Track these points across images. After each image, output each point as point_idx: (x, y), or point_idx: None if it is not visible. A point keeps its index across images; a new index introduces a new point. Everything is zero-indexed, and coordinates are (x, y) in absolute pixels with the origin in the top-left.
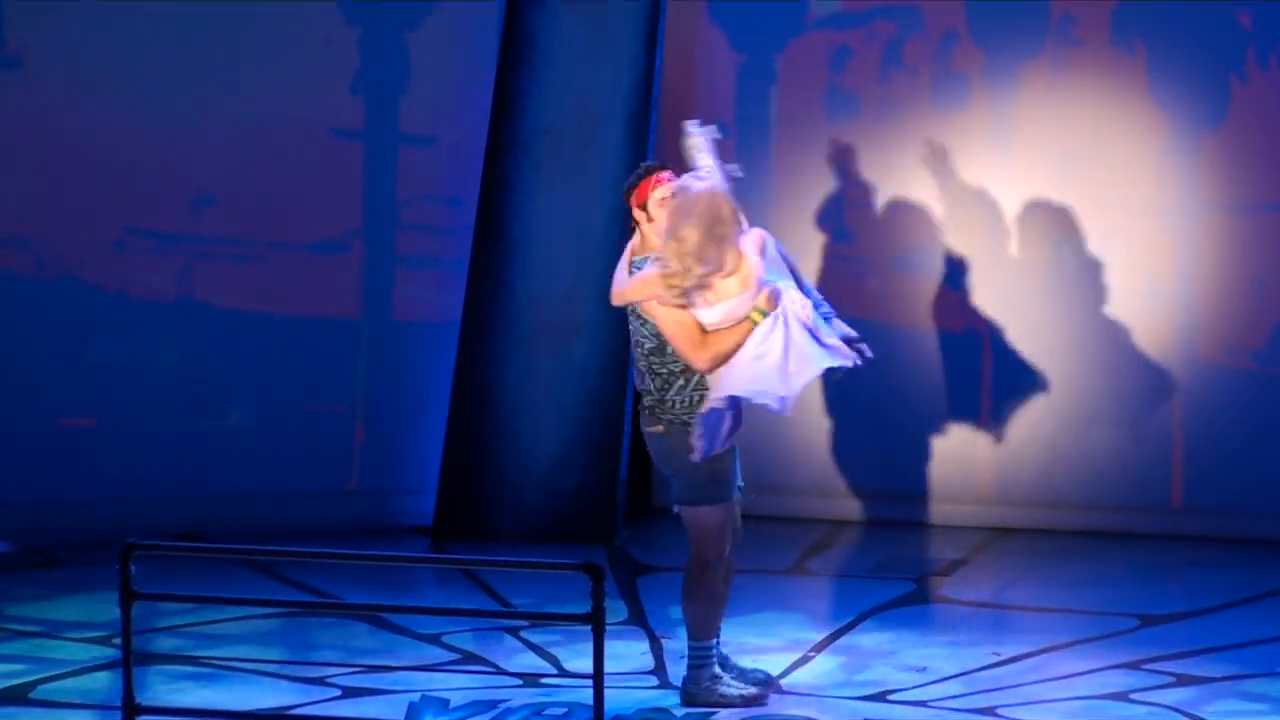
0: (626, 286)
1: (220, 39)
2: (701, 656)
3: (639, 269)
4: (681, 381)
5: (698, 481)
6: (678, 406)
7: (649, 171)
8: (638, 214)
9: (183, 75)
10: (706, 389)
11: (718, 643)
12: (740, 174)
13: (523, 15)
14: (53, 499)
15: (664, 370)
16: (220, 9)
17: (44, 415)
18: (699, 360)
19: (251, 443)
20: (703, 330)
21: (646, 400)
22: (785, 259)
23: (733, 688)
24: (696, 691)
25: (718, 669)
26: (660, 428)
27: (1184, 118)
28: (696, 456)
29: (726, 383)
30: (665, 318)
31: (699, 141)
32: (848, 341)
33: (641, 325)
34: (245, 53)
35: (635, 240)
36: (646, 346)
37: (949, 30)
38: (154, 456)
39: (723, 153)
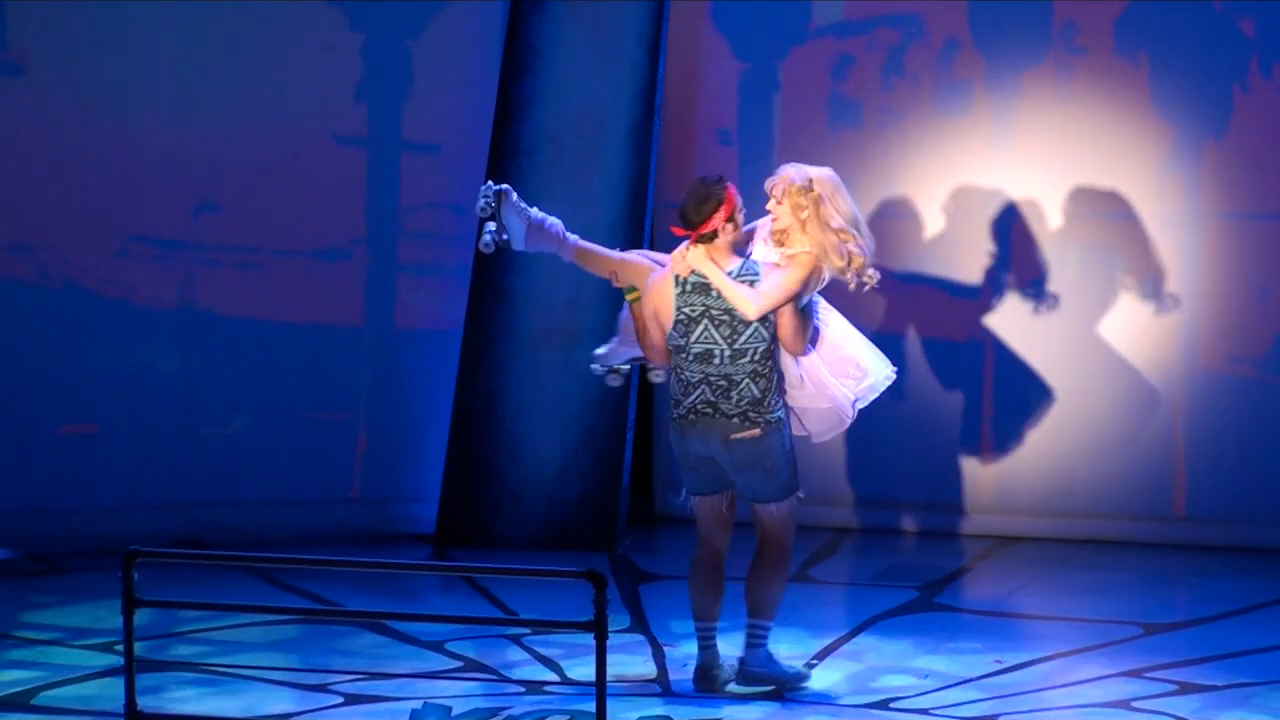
0: (776, 297)
1: (223, 46)
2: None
3: (745, 277)
4: (777, 378)
5: (779, 483)
6: (775, 406)
7: (721, 184)
8: (724, 226)
9: (186, 82)
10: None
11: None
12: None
13: (526, 23)
14: (55, 506)
15: (766, 370)
16: (224, 16)
17: (47, 422)
18: (804, 345)
19: (254, 450)
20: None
21: (734, 405)
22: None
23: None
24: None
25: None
26: (756, 430)
27: (1187, 126)
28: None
29: (867, 372)
30: (792, 319)
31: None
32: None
33: (761, 327)
34: (248, 60)
35: (695, 254)
36: (759, 350)
37: (952, 38)
38: (157, 463)
39: (724, 165)
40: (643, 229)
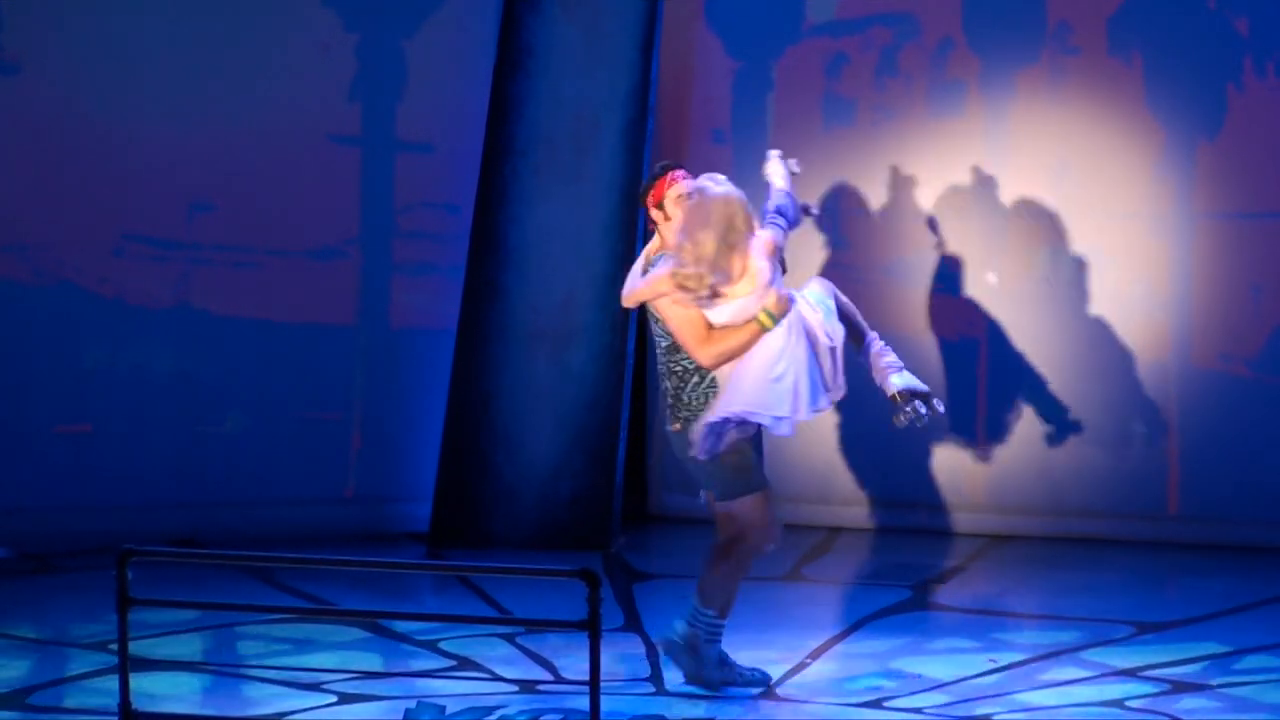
0: (640, 286)
1: (218, 45)
2: (715, 630)
3: (655, 268)
4: (696, 379)
5: (724, 478)
6: (693, 404)
7: (664, 170)
8: (654, 214)
9: (181, 81)
10: (717, 386)
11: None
12: (797, 169)
13: (520, 22)
14: (49, 505)
15: (679, 368)
16: (219, 14)
17: (41, 421)
18: (704, 356)
19: (248, 449)
20: (709, 327)
21: (667, 399)
22: (836, 298)
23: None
24: (700, 670)
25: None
26: (678, 425)
27: (1181, 125)
28: (697, 453)
29: (737, 398)
30: (673, 315)
31: (777, 166)
32: (914, 394)
33: (655, 324)
34: (243, 59)
35: (654, 241)
36: (663, 345)
37: (945, 37)
38: (151, 463)
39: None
40: (635, 228)
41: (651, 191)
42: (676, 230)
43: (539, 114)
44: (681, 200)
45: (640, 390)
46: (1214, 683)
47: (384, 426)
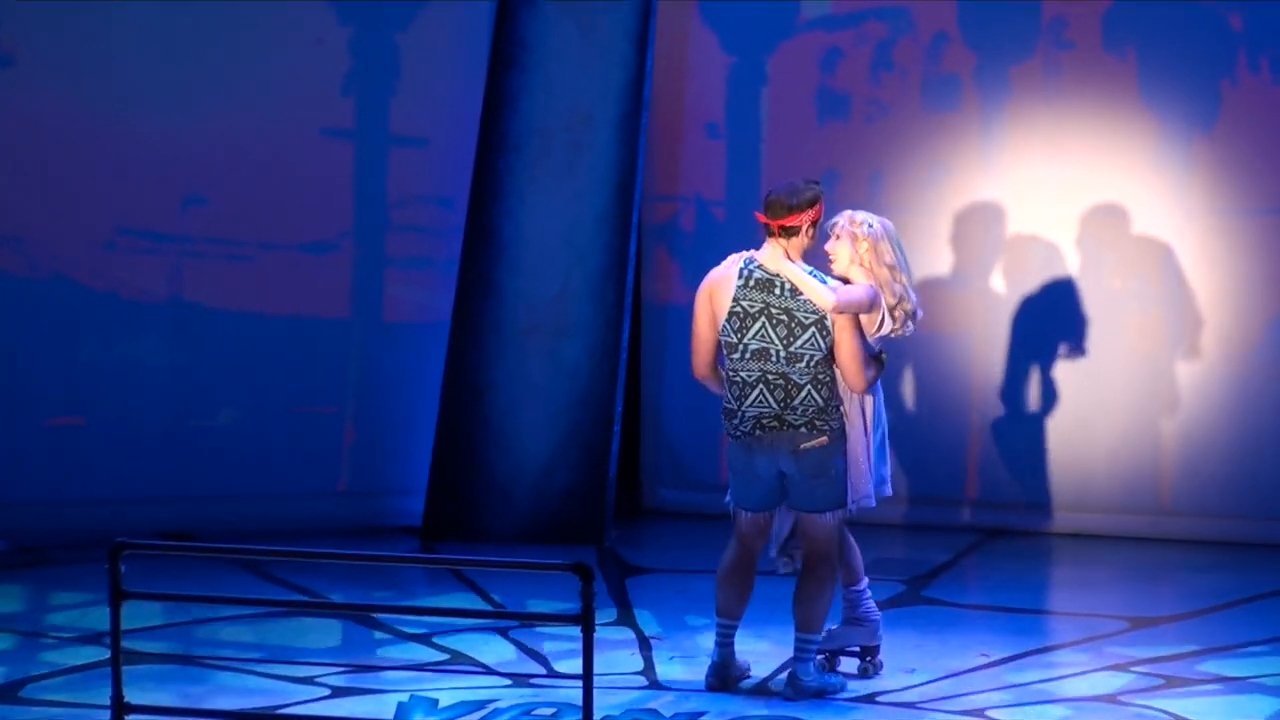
0: (853, 299)
1: (212, 39)
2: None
3: (818, 278)
4: (837, 388)
5: (838, 491)
6: (835, 414)
7: (820, 187)
8: (806, 227)
9: (174, 75)
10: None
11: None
12: None
13: (514, 16)
14: (43, 498)
15: (828, 378)
16: (212, 9)
17: (34, 415)
18: (863, 382)
19: (241, 443)
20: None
21: (799, 414)
22: None
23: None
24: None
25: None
26: (824, 438)
27: (1175, 120)
28: (863, 497)
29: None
30: (851, 337)
31: None
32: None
33: (818, 335)
34: (237, 53)
35: (771, 249)
36: (817, 357)
37: (940, 32)
38: (144, 456)
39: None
40: (630, 222)
41: (817, 206)
42: (893, 260)
43: (533, 108)
44: (854, 232)
45: (634, 384)
46: (1207, 678)
47: (377, 420)
